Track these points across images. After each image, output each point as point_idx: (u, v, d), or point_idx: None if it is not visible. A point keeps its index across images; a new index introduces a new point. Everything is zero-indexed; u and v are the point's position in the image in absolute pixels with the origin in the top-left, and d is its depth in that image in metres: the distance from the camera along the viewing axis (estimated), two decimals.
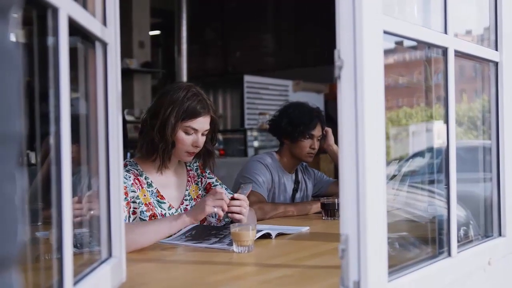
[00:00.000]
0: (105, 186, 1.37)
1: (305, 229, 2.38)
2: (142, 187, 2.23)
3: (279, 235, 2.21)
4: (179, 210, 2.31)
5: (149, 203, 2.22)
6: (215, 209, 2.06)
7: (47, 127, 1.01)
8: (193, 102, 2.21)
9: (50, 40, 1.01)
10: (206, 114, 2.25)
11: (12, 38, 0.62)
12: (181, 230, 2.11)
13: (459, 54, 1.60)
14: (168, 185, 2.33)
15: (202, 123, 2.25)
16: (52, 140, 1.00)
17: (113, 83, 1.38)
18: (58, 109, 1.00)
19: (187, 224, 2.10)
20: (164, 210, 2.26)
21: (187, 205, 2.35)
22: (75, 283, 1.08)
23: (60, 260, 1.00)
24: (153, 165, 2.29)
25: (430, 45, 1.58)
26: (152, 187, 2.26)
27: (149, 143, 2.24)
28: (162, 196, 2.28)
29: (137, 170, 2.26)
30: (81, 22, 1.14)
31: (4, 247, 0.57)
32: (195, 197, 2.40)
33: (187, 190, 2.39)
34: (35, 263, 1.17)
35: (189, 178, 2.42)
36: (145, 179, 2.26)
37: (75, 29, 1.12)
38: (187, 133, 2.23)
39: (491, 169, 1.87)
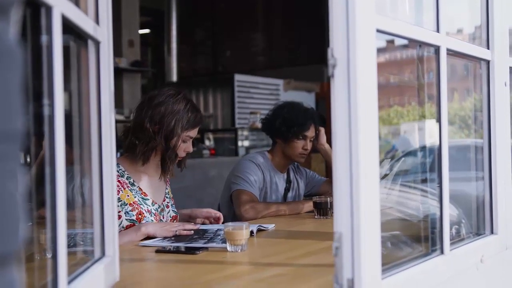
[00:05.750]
0: (98, 186, 1.36)
1: (270, 226, 2.39)
2: (124, 188, 2.25)
3: (258, 231, 2.25)
4: (161, 205, 2.40)
5: (133, 202, 2.27)
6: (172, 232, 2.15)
7: (41, 127, 1.00)
8: (193, 114, 2.32)
9: (44, 39, 1.00)
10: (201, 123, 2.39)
11: (13, 36, 0.62)
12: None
13: (451, 53, 1.61)
14: (150, 184, 2.39)
15: (197, 130, 2.38)
16: (46, 140, 0.99)
17: (106, 82, 1.38)
18: (52, 108, 0.99)
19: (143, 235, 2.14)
20: (149, 206, 2.33)
21: (168, 202, 2.45)
22: (69, 282, 1.08)
23: (54, 259, 0.99)
24: (137, 166, 2.33)
25: (422, 44, 1.59)
26: (135, 186, 2.32)
27: (151, 150, 2.29)
28: (145, 193, 2.34)
29: (118, 171, 2.27)
30: (74, 21, 1.13)
31: (7, 244, 0.57)
32: (171, 197, 2.51)
33: (166, 188, 2.48)
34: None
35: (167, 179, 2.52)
36: (127, 179, 2.31)
37: (67, 27, 1.11)
38: (184, 141, 2.33)
39: (483, 168, 1.88)
